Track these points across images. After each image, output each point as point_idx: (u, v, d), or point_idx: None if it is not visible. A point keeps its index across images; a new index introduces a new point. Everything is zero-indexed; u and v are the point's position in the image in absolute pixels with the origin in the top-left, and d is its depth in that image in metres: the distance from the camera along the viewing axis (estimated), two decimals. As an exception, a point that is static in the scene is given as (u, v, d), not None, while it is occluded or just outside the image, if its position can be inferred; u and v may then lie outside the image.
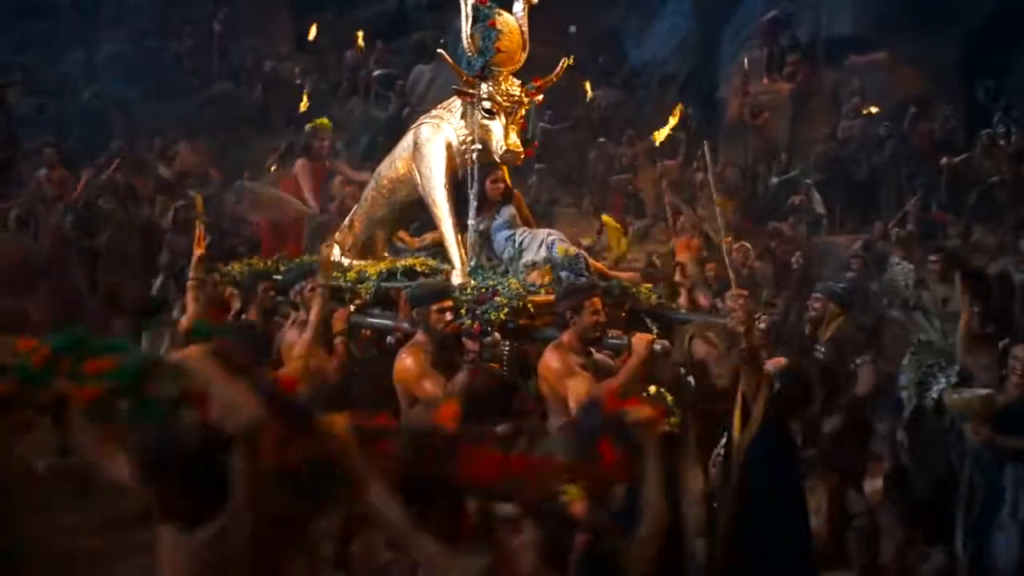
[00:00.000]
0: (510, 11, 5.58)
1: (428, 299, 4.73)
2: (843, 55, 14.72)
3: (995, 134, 12.13)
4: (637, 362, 4.37)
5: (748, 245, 11.14)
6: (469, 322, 4.71)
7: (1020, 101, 12.59)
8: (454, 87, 5.51)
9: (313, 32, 18.38)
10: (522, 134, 5.49)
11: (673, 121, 13.14)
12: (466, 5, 5.43)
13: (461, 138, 5.53)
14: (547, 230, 5.73)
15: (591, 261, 5.65)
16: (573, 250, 5.48)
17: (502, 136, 5.31)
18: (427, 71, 17.52)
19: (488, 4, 5.44)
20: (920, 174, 12.64)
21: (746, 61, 14.98)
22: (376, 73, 17.57)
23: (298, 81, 17.68)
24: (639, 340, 4.44)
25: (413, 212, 6.00)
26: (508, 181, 5.77)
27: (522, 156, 5.44)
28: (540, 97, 5.65)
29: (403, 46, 18.53)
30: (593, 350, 4.68)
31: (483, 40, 5.37)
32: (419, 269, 5.43)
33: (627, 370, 4.39)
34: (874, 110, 13.81)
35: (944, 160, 12.30)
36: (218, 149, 15.14)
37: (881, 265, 10.29)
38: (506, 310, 4.78)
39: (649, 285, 5.85)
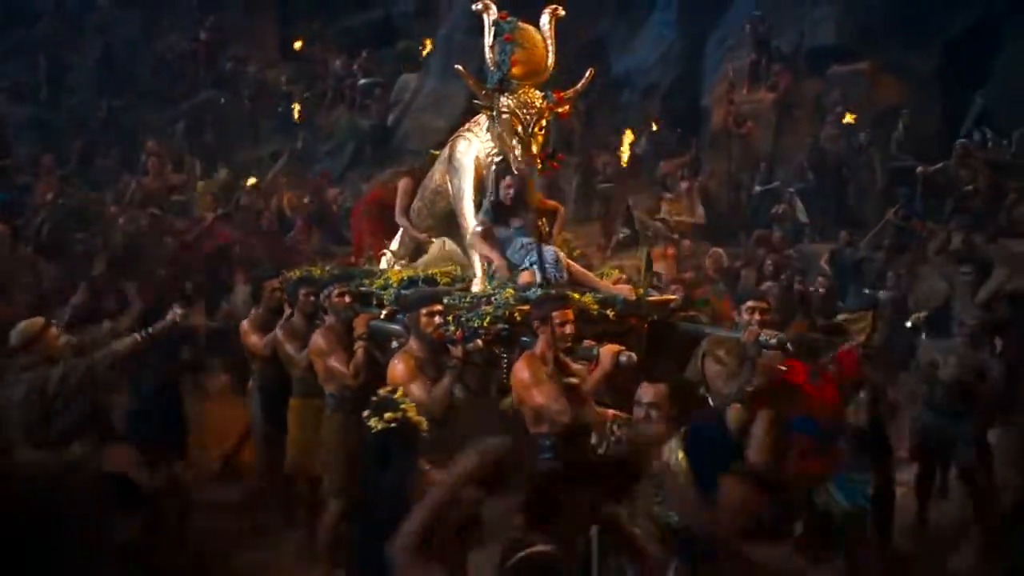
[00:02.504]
0: (537, 23, 5.64)
1: (418, 304, 4.81)
2: (825, 64, 14.90)
3: (969, 144, 12.36)
4: (600, 375, 4.36)
5: (720, 251, 11.28)
6: (452, 329, 4.75)
7: (998, 110, 12.85)
8: (475, 101, 5.59)
9: (299, 45, 18.53)
10: (546, 145, 5.56)
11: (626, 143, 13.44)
12: (488, 19, 5.53)
13: (487, 151, 5.63)
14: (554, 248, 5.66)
15: (582, 272, 5.63)
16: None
17: (520, 148, 5.38)
18: (413, 79, 17.67)
19: (508, 19, 5.51)
20: (900, 183, 12.87)
21: (730, 70, 15.18)
22: (362, 82, 17.69)
23: (284, 88, 17.81)
24: (606, 352, 4.43)
25: (454, 221, 6.00)
26: (529, 189, 5.74)
27: (540, 167, 5.52)
28: (564, 108, 5.69)
29: (389, 55, 18.63)
30: (570, 360, 4.66)
31: (500, 54, 5.47)
32: (439, 278, 5.48)
33: (591, 381, 4.39)
34: (848, 119, 14.00)
35: (920, 169, 12.48)
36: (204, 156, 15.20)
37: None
38: (489, 318, 4.83)
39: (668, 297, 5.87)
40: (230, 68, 17.88)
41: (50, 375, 4.73)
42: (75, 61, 17.58)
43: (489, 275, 5.37)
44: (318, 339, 5.36)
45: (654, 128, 15.73)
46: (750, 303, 5.24)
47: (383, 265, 6.02)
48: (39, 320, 5.11)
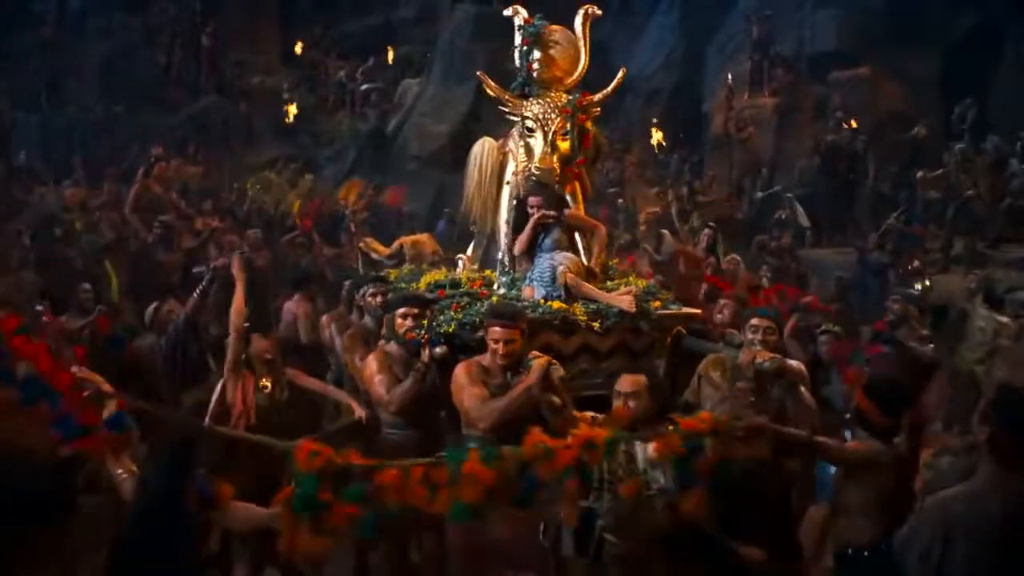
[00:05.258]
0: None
1: (395, 306, 4.83)
2: (826, 70, 14.97)
3: (968, 149, 12.43)
4: (523, 387, 4.10)
5: (738, 258, 11.28)
6: (421, 333, 4.67)
7: (998, 115, 12.91)
8: (500, 107, 5.40)
9: (299, 48, 18.55)
10: (572, 150, 5.28)
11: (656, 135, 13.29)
12: (516, 24, 5.44)
13: (520, 159, 5.43)
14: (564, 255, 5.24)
15: (582, 285, 5.08)
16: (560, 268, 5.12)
17: (539, 154, 5.20)
18: (414, 84, 17.71)
19: (532, 24, 5.39)
20: (901, 188, 12.94)
21: (730, 76, 15.25)
22: (363, 87, 17.73)
23: (285, 96, 17.83)
24: (535, 364, 4.15)
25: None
26: (558, 198, 5.32)
27: (557, 174, 5.23)
28: (594, 110, 5.39)
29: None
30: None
31: (519, 58, 5.40)
32: (466, 283, 5.39)
33: (513, 392, 4.13)
34: (852, 124, 14.06)
35: (920, 174, 12.57)
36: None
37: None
38: (455, 324, 4.75)
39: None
40: (231, 73, 17.89)
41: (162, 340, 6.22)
42: (76, 66, 17.54)
43: (509, 283, 5.27)
44: (346, 336, 5.71)
45: (656, 133, 15.79)
46: (754, 320, 4.69)
47: (459, 269, 5.88)
48: (155, 304, 6.65)
